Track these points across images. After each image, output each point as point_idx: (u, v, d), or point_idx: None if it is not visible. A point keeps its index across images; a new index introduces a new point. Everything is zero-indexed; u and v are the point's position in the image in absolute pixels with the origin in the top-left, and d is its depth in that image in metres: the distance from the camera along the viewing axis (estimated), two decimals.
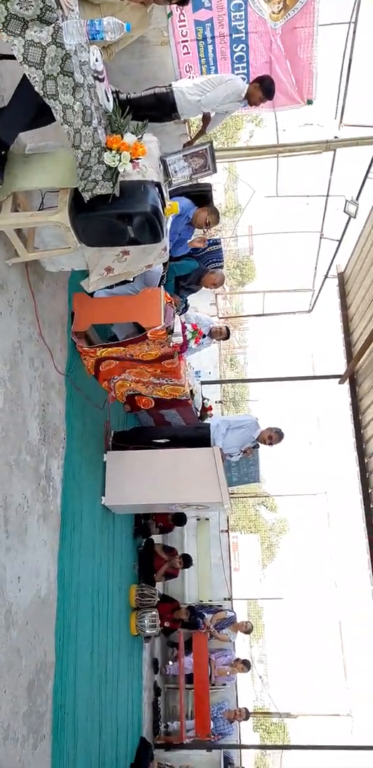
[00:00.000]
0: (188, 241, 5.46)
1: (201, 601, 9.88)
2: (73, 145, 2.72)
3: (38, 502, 3.80)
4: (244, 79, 5.35)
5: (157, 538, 8.16)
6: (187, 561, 8.17)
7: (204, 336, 6.32)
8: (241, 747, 9.40)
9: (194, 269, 5.70)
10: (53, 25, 2.20)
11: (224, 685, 9.28)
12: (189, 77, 5.40)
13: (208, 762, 7.42)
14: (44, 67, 2.29)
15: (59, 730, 3.95)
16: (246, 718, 8.90)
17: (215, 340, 6.80)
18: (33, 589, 3.64)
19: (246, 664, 9.12)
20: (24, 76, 2.74)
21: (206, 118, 5.04)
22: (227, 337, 6.71)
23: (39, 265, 3.97)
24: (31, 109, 2.84)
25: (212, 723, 8.17)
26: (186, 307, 6.16)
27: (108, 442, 5.89)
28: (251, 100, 4.76)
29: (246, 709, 8.84)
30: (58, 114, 2.49)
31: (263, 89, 4.69)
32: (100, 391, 5.60)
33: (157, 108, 4.57)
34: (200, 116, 5.58)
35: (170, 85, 4.59)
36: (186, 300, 6.05)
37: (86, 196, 3.06)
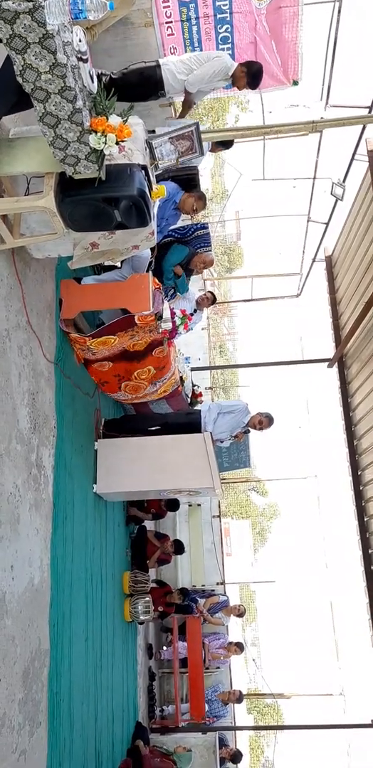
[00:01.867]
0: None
1: (194, 586, 9.94)
2: (39, 117, 2.69)
3: (30, 491, 3.79)
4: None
5: (149, 525, 8.17)
6: (179, 547, 8.20)
7: (194, 312, 6.30)
8: (235, 729, 9.51)
9: (186, 255, 5.67)
10: (33, 2, 2.16)
11: (218, 668, 9.37)
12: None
13: (203, 744, 7.48)
14: (15, 27, 2.26)
15: (55, 717, 3.96)
16: (240, 700, 8.99)
17: (203, 308, 6.74)
18: (26, 577, 3.63)
19: (239, 646, 9.22)
20: (5, 60, 2.70)
21: (187, 102, 4.95)
22: (214, 301, 6.66)
23: (25, 252, 3.93)
24: (14, 93, 2.80)
25: (206, 706, 8.25)
26: (174, 293, 6.14)
27: (99, 430, 5.87)
28: (235, 83, 4.73)
29: (240, 691, 8.93)
30: (17, 67, 2.44)
31: (249, 77, 4.64)
32: (90, 380, 5.58)
33: (144, 86, 4.52)
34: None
35: (158, 62, 4.54)
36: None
37: (68, 171, 3.02)
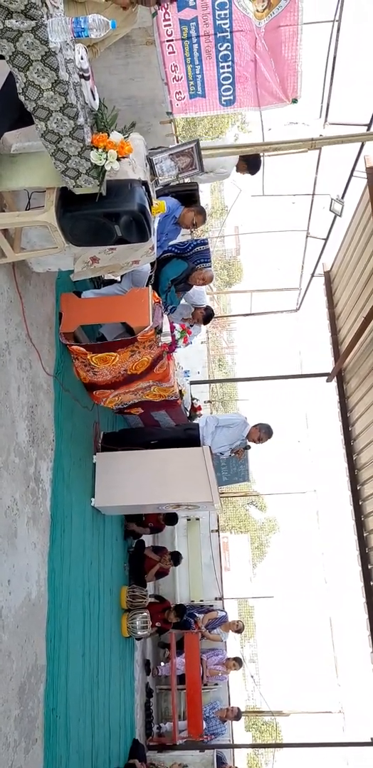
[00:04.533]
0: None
1: (192, 601, 9.87)
2: (40, 133, 2.71)
3: (28, 505, 3.77)
4: (229, 78, 5.40)
5: (147, 540, 8.14)
6: (176, 558, 8.16)
7: (192, 325, 6.29)
8: (234, 746, 9.40)
9: (184, 270, 5.69)
10: (36, 21, 2.19)
11: (216, 684, 9.29)
12: (174, 77, 5.42)
13: (201, 762, 7.40)
14: (17, 45, 2.28)
15: (51, 734, 3.92)
16: (238, 718, 8.90)
17: (199, 324, 6.62)
18: (23, 591, 3.61)
19: (238, 661, 9.14)
20: (8, 75, 2.73)
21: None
22: (209, 317, 6.49)
23: (26, 266, 3.95)
24: (16, 108, 2.82)
25: (204, 723, 8.16)
26: (174, 308, 6.14)
27: (97, 444, 5.86)
28: (238, 170, 5.57)
29: (238, 708, 8.85)
30: (19, 84, 2.46)
31: (249, 169, 5.59)
32: None
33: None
34: (185, 115, 5.77)
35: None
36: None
37: (69, 184, 3.04)
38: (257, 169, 5.69)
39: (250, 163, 5.58)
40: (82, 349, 4.81)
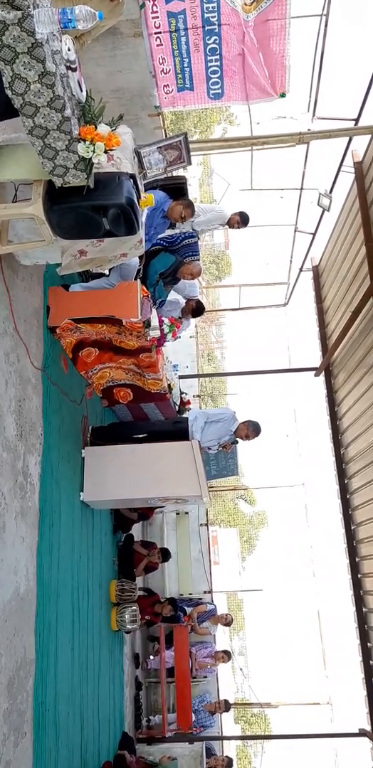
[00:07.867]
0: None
1: (181, 594, 9.90)
2: (27, 131, 2.69)
3: (16, 499, 3.76)
4: (217, 72, 5.39)
5: (136, 534, 8.14)
6: (165, 555, 8.18)
7: (179, 318, 6.29)
8: (222, 738, 9.46)
9: (172, 264, 5.68)
10: (23, 11, 2.18)
11: (205, 677, 9.33)
12: (162, 69, 5.40)
13: (190, 754, 7.43)
14: (3, 38, 2.27)
15: (40, 728, 3.92)
16: (227, 710, 8.95)
17: (189, 318, 6.63)
18: (12, 586, 3.60)
19: (227, 654, 9.19)
20: None
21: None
22: (199, 311, 6.55)
23: (13, 259, 3.92)
24: (2, 102, 2.80)
25: (193, 716, 8.20)
26: (163, 302, 6.14)
27: (86, 438, 5.85)
28: (230, 225, 6.50)
29: (226, 701, 8.91)
30: (6, 78, 2.45)
31: (241, 221, 6.45)
32: (78, 387, 5.57)
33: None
34: (173, 108, 5.75)
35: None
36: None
37: (57, 182, 3.03)
38: (246, 224, 6.52)
39: (242, 218, 6.47)
40: (69, 322, 4.81)
